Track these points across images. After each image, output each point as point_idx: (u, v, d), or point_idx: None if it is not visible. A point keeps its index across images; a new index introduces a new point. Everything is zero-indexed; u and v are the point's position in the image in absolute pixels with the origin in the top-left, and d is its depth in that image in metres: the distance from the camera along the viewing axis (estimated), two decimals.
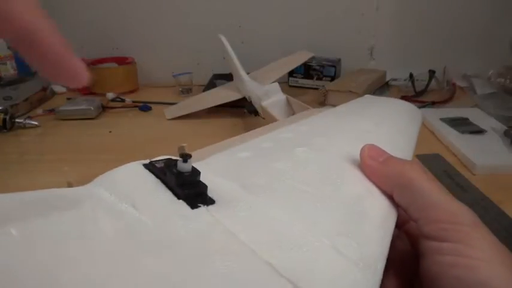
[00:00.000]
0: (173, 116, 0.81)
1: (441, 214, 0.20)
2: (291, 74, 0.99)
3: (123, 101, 0.87)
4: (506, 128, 0.66)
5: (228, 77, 0.89)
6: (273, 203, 0.19)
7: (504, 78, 0.89)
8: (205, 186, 0.19)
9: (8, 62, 0.89)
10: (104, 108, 0.85)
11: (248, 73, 0.79)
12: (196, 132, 0.75)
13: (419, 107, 0.79)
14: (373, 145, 0.24)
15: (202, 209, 0.18)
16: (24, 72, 0.95)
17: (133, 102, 0.88)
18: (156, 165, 0.21)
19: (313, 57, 0.96)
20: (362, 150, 0.24)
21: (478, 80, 0.94)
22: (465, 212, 0.20)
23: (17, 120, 0.76)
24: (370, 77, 0.90)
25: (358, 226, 0.19)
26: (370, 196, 0.22)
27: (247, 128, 0.75)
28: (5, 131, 0.74)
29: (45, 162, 0.63)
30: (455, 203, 0.21)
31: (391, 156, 0.24)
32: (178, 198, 0.18)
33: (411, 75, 0.92)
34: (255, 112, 0.70)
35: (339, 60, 1.00)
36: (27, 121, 0.77)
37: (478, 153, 0.58)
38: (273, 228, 0.17)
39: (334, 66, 0.97)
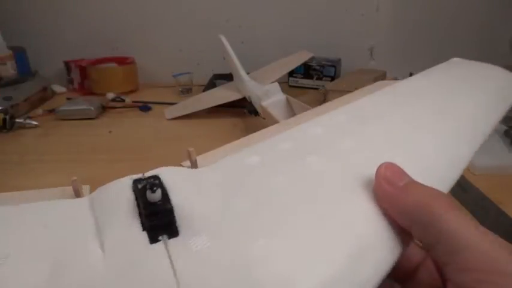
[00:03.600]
0: (173, 116, 0.81)
1: (477, 261, 0.16)
2: (291, 74, 0.99)
3: (123, 101, 0.87)
4: (506, 128, 0.66)
5: (228, 77, 0.89)
6: (248, 234, 0.18)
7: None
8: (173, 217, 0.18)
9: (8, 62, 0.89)
10: (104, 108, 0.85)
11: (248, 73, 0.79)
12: (196, 132, 0.75)
13: None
14: (392, 164, 0.20)
15: (160, 244, 0.17)
16: (24, 72, 0.95)
17: (134, 102, 0.88)
18: (142, 183, 0.20)
19: (313, 57, 0.96)
20: (379, 169, 0.20)
21: None
22: (505, 257, 0.16)
23: (17, 120, 0.76)
24: (370, 77, 0.90)
25: (353, 271, 0.17)
26: (373, 233, 0.19)
27: (247, 128, 0.75)
28: (5, 131, 0.74)
29: (45, 163, 0.63)
30: (493, 245, 0.16)
31: (414, 182, 0.19)
32: (143, 228, 0.18)
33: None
34: (255, 112, 0.70)
35: (339, 60, 1.00)
36: (27, 121, 0.77)
37: (478, 153, 0.58)
38: (231, 270, 0.16)
39: (334, 66, 0.97)
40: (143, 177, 0.20)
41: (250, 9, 1.01)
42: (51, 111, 0.83)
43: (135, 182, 0.20)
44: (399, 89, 0.33)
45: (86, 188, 0.23)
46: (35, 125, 0.77)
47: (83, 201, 0.20)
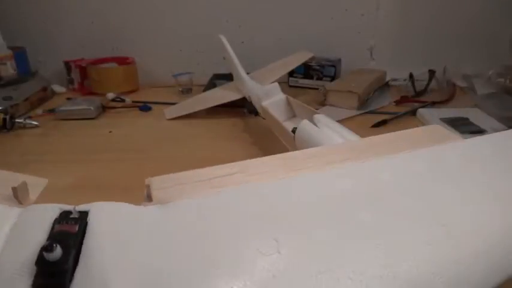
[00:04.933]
0: (173, 116, 0.81)
1: None
2: (291, 74, 0.99)
3: (123, 101, 0.87)
4: (506, 128, 0.66)
5: (228, 77, 0.89)
6: None
7: (504, 78, 0.89)
8: (65, 280, 0.17)
9: (8, 62, 0.89)
10: (104, 108, 0.85)
11: (248, 73, 0.79)
12: (196, 132, 0.75)
13: (419, 107, 0.79)
14: None
15: None
16: (24, 72, 0.95)
17: (133, 102, 0.88)
18: (65, 220, 0.19)
19: (313, 57, 0.96)
20: None
21: (478, 80, 0.94)
22: None
23: (17, 120, 0.76)
24: (370, 77, 0.90)
25: None
26: None
27: (247, 128, 0.75)
28: (5, 130, 0.74)
29: (45, 163, 0.63)
30: None
31: None
32: (32, 285, 0.17)
33: (411, 75, 0.92)
34: (255, 112, 0.70)
35: (339, 60, 1.00)
36: (27, 121, 0.77)
37: None
38: None
39: (334, 66, 0.97)
40: (72, 210, 0.20)
41: (250, 9, 1.01)
42: (51, 111, 0.83)
43: (62, 215, 0.20)
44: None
45: (41, 183, 0.24)
46: (35, 125, 0.77)
47: (10, 219, 0.20)
